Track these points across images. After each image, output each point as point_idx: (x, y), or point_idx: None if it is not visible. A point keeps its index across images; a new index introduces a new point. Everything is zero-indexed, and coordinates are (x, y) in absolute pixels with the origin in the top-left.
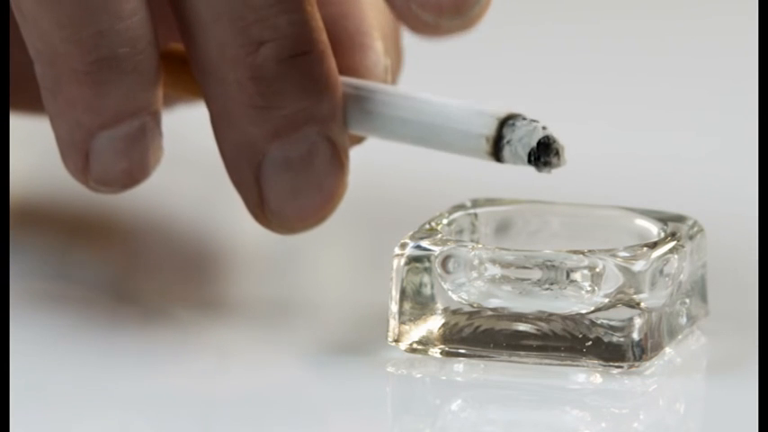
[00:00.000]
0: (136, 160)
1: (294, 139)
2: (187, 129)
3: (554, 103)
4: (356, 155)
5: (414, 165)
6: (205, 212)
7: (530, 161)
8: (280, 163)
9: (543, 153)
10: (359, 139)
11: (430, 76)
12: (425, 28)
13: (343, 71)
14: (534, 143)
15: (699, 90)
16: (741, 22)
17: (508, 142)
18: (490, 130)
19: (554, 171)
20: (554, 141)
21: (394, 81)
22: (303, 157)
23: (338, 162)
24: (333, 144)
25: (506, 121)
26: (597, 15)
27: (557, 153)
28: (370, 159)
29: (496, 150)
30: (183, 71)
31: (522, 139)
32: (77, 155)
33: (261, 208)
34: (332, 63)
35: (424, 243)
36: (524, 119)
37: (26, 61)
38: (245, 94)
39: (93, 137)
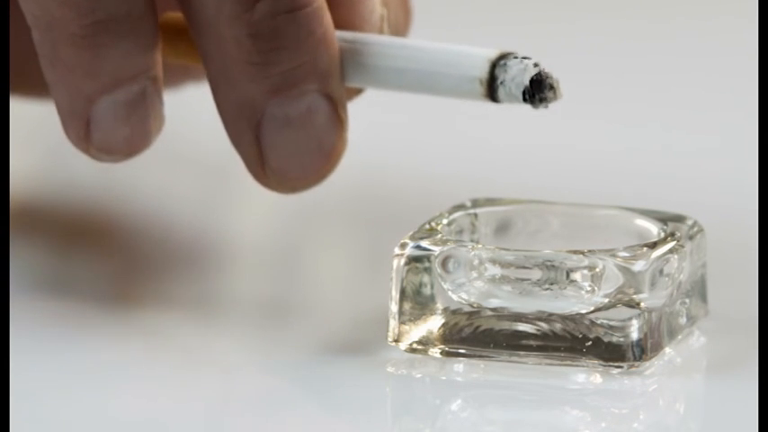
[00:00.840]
0: (137, 126)
1: (293, 96)
2: (187, 129)
3: (554, 102)
4: (357, 154)
5: (414, 164)
6: (205, 212)
7: (525, 99)
8: (279, 120)
9: (537, 89)
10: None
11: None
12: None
13: (337, 22)
14: (527, 81)
15: (699, 89)
16: (741, 22)
17: (501, 83)
18: (482, 72)
19: (551, 105)
20: (547, 77)
21: (404, 34)
22: (302, 115)
23: (337, 119)
24: (332, 101)
25: (498, 62)
26: (597, 14)
27: (551, 87)
28: (370, 159)
29: (491, 92)
30: (181, 39)
31: (514, 79)
32: (78, 122)
33: (261, 166)
34: (328, 18)
35: (424, 243)
36: (516, 57)
37: (26, 45)
38: (243, 51)
39: (92, 103)
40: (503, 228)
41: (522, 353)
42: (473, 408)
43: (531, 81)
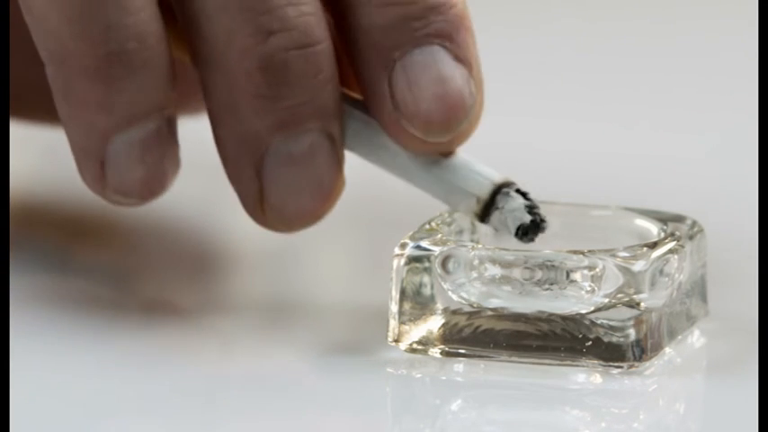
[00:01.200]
0: (152, 167)
1: (297, 134)
2: (188, 128)
3: (554, 102)
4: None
5: None
6: (205, 213)
7: (516, 234)
8: (282, 157)
9: (531, 231)
10: None
11: None
12: (413, 142)
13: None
14: (527, 221)
15: (698, 90)
16: (741, 22)
17: (498, 209)
18: (483, 192)
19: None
20: (543, 221)
21: None
22: (305, 153)
23: (337, 160)
24: (333, 141)
25: (501, 189)
26: (597, 15)
27: (543, 232)
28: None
29: (484, 212)
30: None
31: (514, 212)
32: (93, 163)
33: (260, 203)
34: (334, 59)
35: (424, 243)
36: (518, 190)
37: (27, 70)
38: (252, 84)
39: (107, 140)
40: None
41: (522, 353)
42: (473, 408)
43: (531, 222)
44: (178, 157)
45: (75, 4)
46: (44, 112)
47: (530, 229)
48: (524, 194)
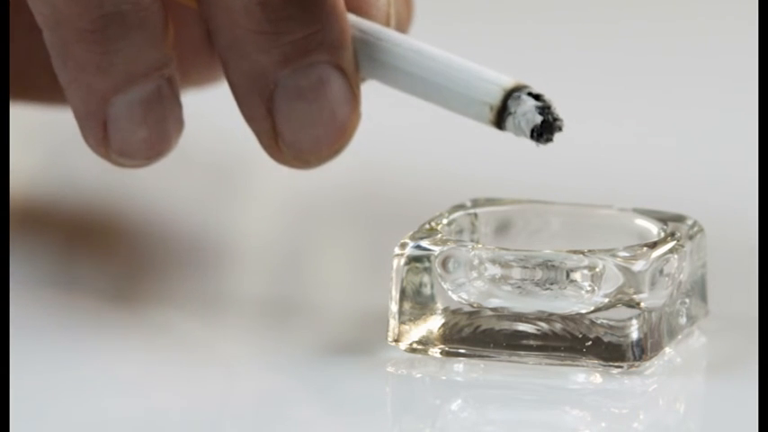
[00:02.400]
0: (154, 128)
1: (304, 67)
2: (190, 129)
3: (554, 102)
4: (356, 154)
5: (414, 164)
6: (205, 213)
7: (531, 136)
8: (292, 91)
9: (546, 130)
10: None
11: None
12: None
13: (347, 4)
14: (539, 121)
15: (699, 90)
16: (741, 22)
17: (511, 114)
18: (495, 99)
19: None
20: (557, 119)
21: (405, 29)
22: (314, 86)
23: (350, 91)
24: (343, 73)
25: (512, 93)
26: (597, 14)
27: (559, 130)
28: (370, 159)
29: (499, 120)
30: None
31: (526, 114)
32: (95, 124)
33: (275, 140)
34: None
35: (424, 243)
36: (531, 93)
37: (26, 49)
38: (253, 21)
39: (107, 102)
40: (503, 228)
41: (522, 353)
42: (473, 408)
43: (543, 122)
44: (181, 117)
45: None
46: (48, 88)
47: (544, 130)
48: (537, 96)
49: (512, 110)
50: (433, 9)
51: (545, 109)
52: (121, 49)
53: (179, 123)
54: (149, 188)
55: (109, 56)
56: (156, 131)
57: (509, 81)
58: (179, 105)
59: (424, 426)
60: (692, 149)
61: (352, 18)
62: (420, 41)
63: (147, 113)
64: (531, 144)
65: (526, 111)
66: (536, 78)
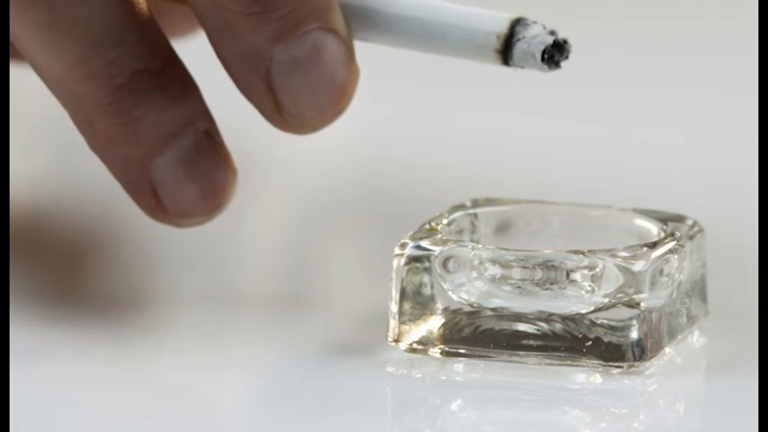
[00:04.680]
0: (203, 182)
1: (297, 38)
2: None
3: (554, 102)
4: (356, 154)
5: (414, 164)
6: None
7: (542, 58)
8: (288, 64)
9: (557, 52)
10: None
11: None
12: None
13: None
14: (550, 41)
15: (698, 89)
16: (741, 22)
17: (521, 39)
18: (502, 27)
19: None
20: (567, 41)
21: None
22: (310, 53)
23: (346, 51)
24: (336, 34)
25: (519, 20)
26: (597, 14)
27: (567, 55)
28: (369, 158)
29: (506, 48)
30: None
31: (537, 36)
32: (144, 193)
33: (278, 113)
34: None
35: (424, 243)
36: (535, 22)
37: None
38: (239, 4)
39: (148, 169)
40: (503, 228)
41: (522, 353)
42: (473, 408)
43: (554, 42)
44: (230, 164)
45: (72, 51)
46: None
47: (555, 51)
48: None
49: (521, 35)
50: None
51: (554, 32)
52: (144, 116)
53: (229, 171)
54: None
55: (133, 125)
56: (206, 185)
57: (513, 14)
58: (224, 153)
59: (424, 426)
60: (692, 149)
61: None
62: None
63: (191, 170)
64: (538, 73)
65: (536, 33)
66: (535, 78)
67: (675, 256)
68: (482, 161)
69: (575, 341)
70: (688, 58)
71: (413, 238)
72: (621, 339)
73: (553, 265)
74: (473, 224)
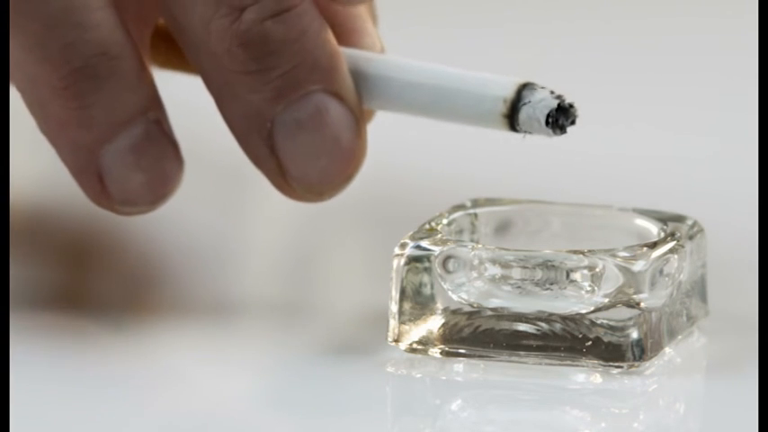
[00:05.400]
0: (150, 171)
1: (299, 98)
2: (193, 129)
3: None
4: None
5: (414, 164)
6: (206, 214)
7: (547, 122)
8: (290, 126)
9: (562, 116)
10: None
11: None
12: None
13: None
14: (555, 105)
15: (699, 90)
16: (741, 22)
17: (527, 103)
18: (509, 91)
19: (560, 138)
20: (573, 106)
21: None
22: (312, 116)
23: (351, 115)
24: (340, 97)
25: (526, 85)
26: (597, 14)
27: (572, 120)
28: (369, 159)
29: (512, 113)
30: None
31: (542, 101)
32: (91, 178)
33: (283, 177)
34: (320, 17)
35: (424, 243)
36: (543, 87)
37: None
38: (238, 62)
39: (96, 155)
40: (503, 228)
41: (522, 353)
42: (473, 408)
43: (559, 106)
44: (178, 155)
45: (31, 32)
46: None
47: (560, 115)
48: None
49: (527, 99)
50: (424, 20)
51: (560, 96)
52: (98, 101)
53: (176, 162)
54: None
55: (87, 110)
56: (153, 174)
57: (519, 78)
58: (172, 144)
59: (424, 426)
60: (692, 149)
61: (346, 51)
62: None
63: (139, 158)
64: (543, 139)
65: (542, 97)
66: (536, 78)
67: (675, 256)
68: (482, 161)
69: (575, 341)
70: (688, 58)
71: (413, 238)
72: (621, 339)
73: (553, 265)
74: (473, 224)
